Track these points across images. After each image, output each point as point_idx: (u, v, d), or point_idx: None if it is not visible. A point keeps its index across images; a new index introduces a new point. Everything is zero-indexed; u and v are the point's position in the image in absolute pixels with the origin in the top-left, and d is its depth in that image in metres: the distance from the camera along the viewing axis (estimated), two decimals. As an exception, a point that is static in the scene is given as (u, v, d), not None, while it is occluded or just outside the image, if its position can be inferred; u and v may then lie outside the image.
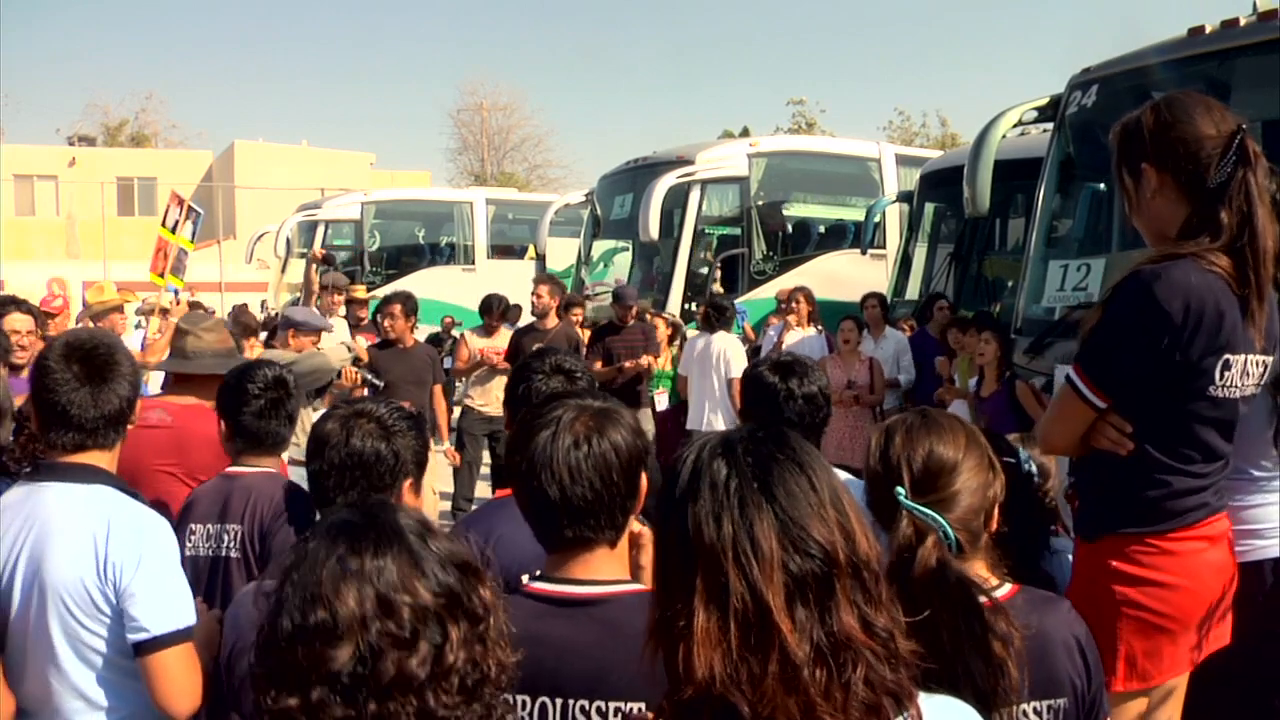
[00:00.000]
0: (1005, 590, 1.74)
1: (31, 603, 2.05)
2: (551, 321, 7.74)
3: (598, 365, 7.91)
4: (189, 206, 8.91)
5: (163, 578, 2.10)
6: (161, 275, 8.79)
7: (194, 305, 8.69)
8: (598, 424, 1.64)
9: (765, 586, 1.07)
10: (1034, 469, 2.43)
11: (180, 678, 2.06)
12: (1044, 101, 5.81)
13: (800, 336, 8.22)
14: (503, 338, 7.76)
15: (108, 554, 2.06)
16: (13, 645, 2.07)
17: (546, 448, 1.61)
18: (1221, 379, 2.12)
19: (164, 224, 8.81)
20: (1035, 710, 1.69)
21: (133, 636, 2.05)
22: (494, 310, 7.91)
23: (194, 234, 9.05)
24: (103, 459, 2.22)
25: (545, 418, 1.66)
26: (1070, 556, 2.50)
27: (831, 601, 1.08)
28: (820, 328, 8.55)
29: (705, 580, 1.09)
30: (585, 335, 8.94)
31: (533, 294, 7.77)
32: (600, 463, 1.61)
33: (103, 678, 2.09)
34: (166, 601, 2.08)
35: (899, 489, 1.67)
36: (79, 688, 2.08)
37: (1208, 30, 4.70)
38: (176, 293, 7.41)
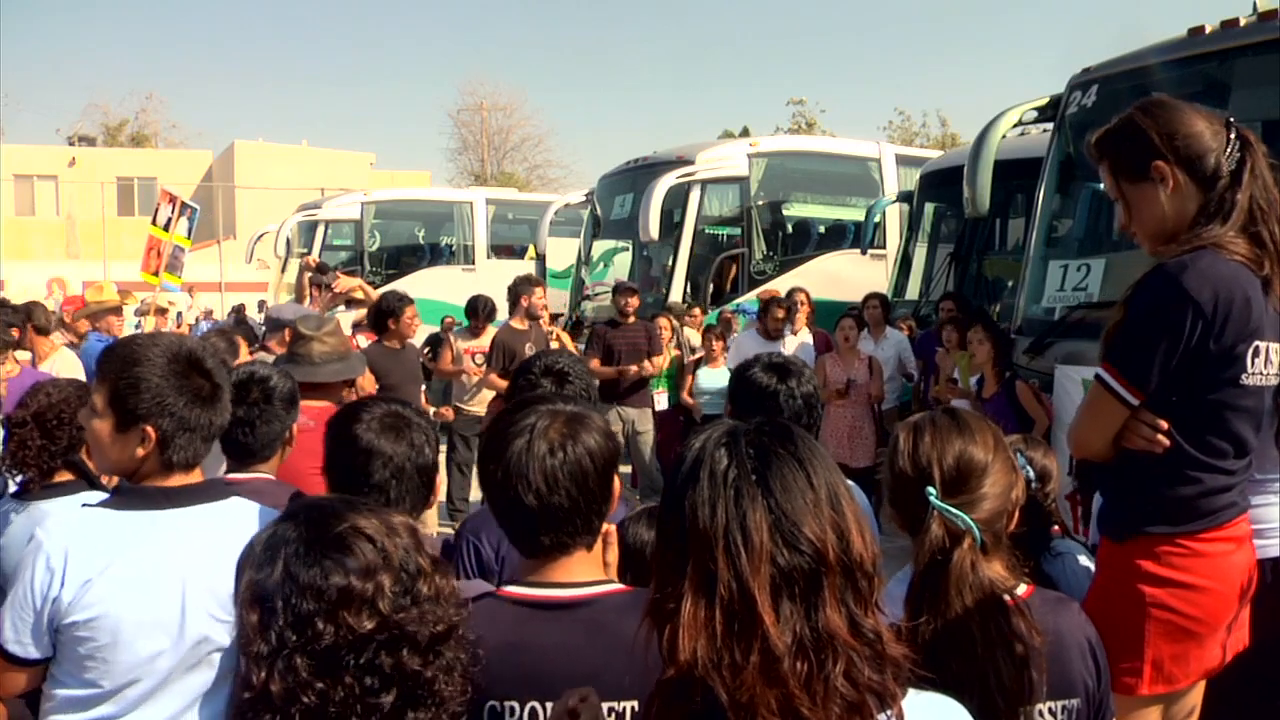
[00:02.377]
0: (1022, 590, 1.75)
1: (219, 634, 1.98)
2: (527, 322, 7.77)
3: (595, 363, 7.91)
4: (182, 203, 8.83)
5: None
6: (155, 274, 8.75)
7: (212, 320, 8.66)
8: (571, 430, 1.63)
9: (752, 577, 1.08)
10: (1030, 472, 2.43)
11: None
12: (1044, 101, 5.79)
13: (799, 342, 8.20)
14: (489, 337, 7.75)
15: None
16: (182, 676, 1.97)
17: (522, 456, 1.60)
18: (1252, 366, 2.12)
19: (154, 222, 8.79)
20: (1051, 710, 1.71)
21: None
22: (480, 312, 7.91)
23: (190, 230, 9.00)
24: (199, 477, 2.14)
25: (518, 425, 1.64)
26: (1079, 559, 2.50)
27: (818, 598, 1.09)
28: (809, 329, 8.52)
29: (696, 566, 1.11)
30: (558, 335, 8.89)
31: (534, 296, 7.71)
32: (576, 470, 1.60)
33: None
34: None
35: (930, 490, 1.67)
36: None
37: (1208, 30, 4.69)
38: (179, 290, 7.44)
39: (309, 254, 8.67)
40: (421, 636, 1.26)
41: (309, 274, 8.14)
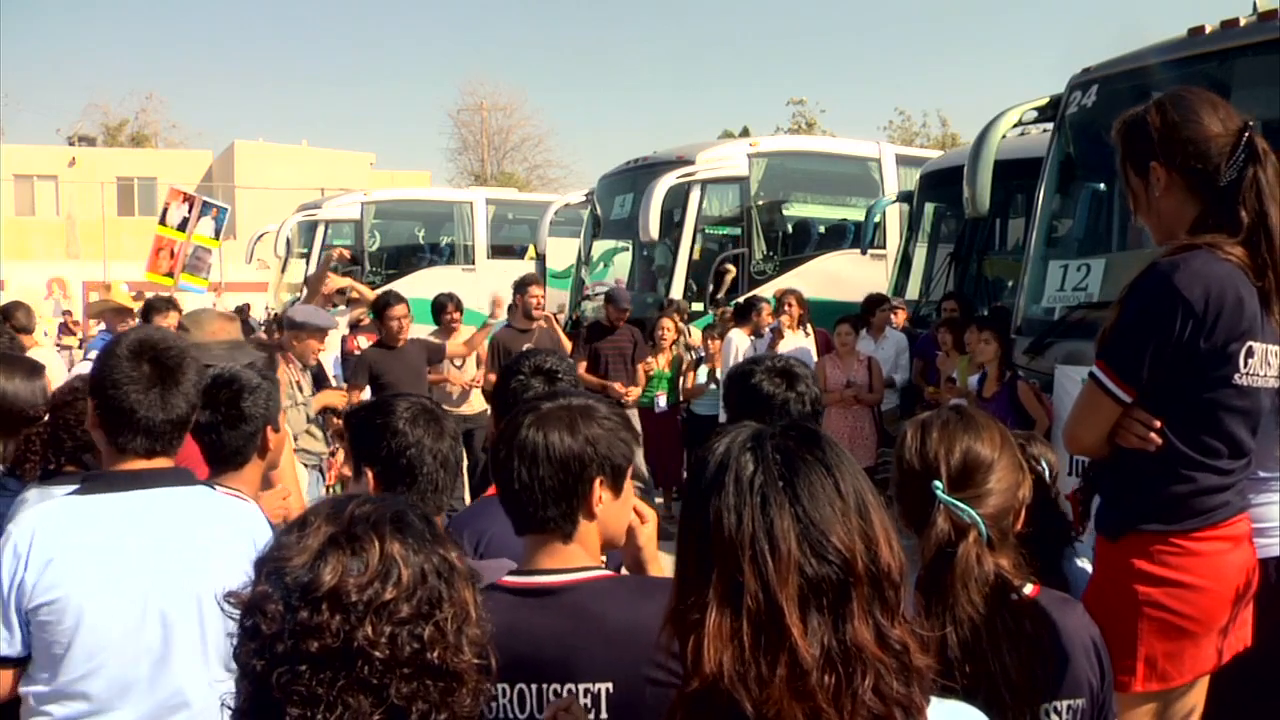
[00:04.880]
0: (1029, 590, 1.76)
1: (171, 615, 1.99)
2: (535, 323, 7.71)
3: (582, 366, 7.90)
4: (204, 202, 8.73)
5: None
6: (169, 275, 8.68)
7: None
8: (555, 420, 1.69)
9: (779, 588, 1.06)
10: (1047, 470, 2.43)
11: None
12: (1044, 101, 5.80)
13: (795, 345, 8.18)
14: (465, 334, 7.65)
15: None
16: (132, 661, 1.98)
17: (516, 436, 1.69)
18: (1245, 366, 2.12)
19: (164, 222, 8.74)
20: (1056, 710, 1.72)
21: None
22: (448, 309, 7.74)
23: (217, 231, 8.91)
24: (169, 464, 2.14)
25: (528, 408, 1.73)
26: (1077, 561, 2.50)
27: (846, 609, 1.07)
28: (808, 330, 8.49)
29: (721, 575, 1.09)
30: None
31: (528, 295, 7.66)
32: (531, 453, 1.67)
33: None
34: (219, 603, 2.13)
35: (936, 483, 1.68)
36: (223, 685, 2.03)
37: (1208, 30, 4.69)
38: (204, 292, 7.38)
39: (333, 252, 8.49)
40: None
41: (334, 266, 8.00)
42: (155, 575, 1.99)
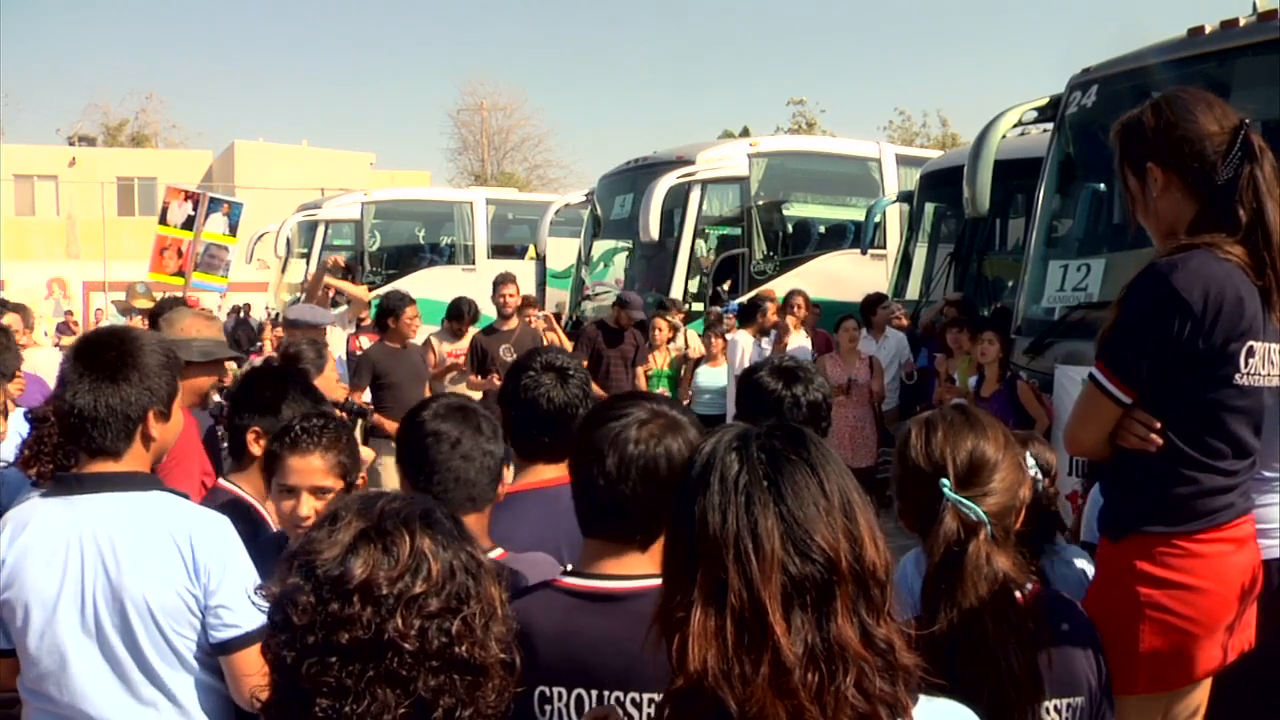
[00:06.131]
0: (1029, 588, 1.76)
1: (107, 619, 1.97)
2: (514, 322, 7.69)
3: (583, 365, 7.87)
4: (210, 198, 8.65)
5: (246, 574, 2.05)
6: (179, 274, 8.60)
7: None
8: (661, 430, 1.65)
9: (763, 586, 1.07)
10: (1038, 471, 2.44)
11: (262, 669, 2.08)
12: (1044, 101, 5.81)
13: (795, 344, 8.18)
14: (469, 336, 7.68)
15: (195, 559, 2.00)
16: (79, 662, 1.97)
17: (606, 439, 1.64)
18: (1246, 366, 2.11)
19: (165, 221, 8.71)
20: (1056, 708, 1.72)
21: (224, 635, 2.01)
22: (465, 315, 7.76)
23: (232, 227, 8.83)
24: (137, 462, 2.10)
25: (619, 409, 1.68)
26: (1074, 562, 2.50)
27: (830, 608, 1.08)
28: (808, 331, 8.48)
29: (705, 574, 1.10)
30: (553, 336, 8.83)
31: (501, 295, 7.66)
32: (650, 466, 1.62)
33: (198, 681, 2.04)
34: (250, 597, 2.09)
35: (944, 481, 1.68)
36: (174, 694, 2.02)
37: (1208, 30, 4.70)
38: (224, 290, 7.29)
39: (329, 260, 8.46)
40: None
41: (330, 273, 7.98)
42: (94, 581, 1.97)
